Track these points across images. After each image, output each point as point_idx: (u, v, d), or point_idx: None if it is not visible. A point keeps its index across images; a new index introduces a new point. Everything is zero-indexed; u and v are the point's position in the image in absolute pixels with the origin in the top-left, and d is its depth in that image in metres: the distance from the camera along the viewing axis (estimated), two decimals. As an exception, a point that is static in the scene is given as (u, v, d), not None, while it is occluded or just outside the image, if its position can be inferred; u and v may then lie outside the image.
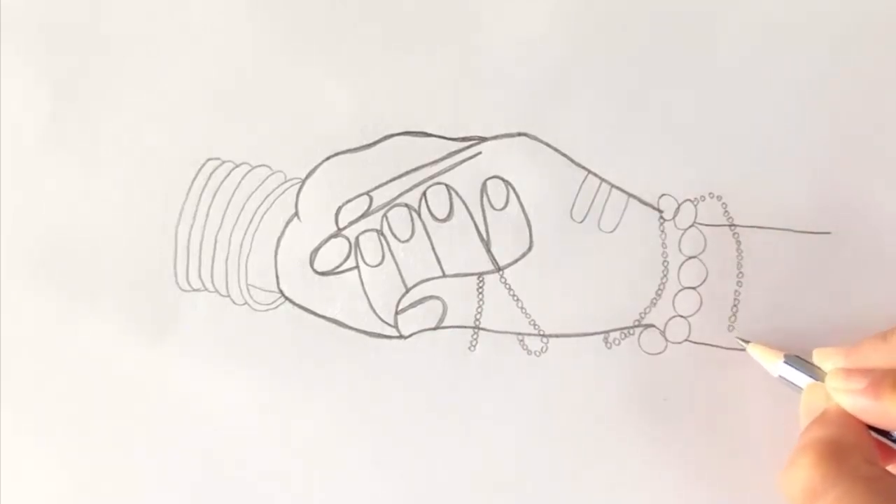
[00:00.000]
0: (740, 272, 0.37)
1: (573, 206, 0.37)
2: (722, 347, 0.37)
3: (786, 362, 0.35)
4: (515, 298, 0.37)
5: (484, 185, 0.38)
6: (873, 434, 0.32)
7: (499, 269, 0.38)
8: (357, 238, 0.38)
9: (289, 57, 0.38)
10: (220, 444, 0.38)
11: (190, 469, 0.38)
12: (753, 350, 0.36)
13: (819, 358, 0.35)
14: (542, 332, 0.37)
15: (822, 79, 0.37)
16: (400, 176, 0.38)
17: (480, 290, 0.38)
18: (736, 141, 0.37)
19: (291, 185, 0.38)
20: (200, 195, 0.38)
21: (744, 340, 0.37)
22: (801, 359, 0.35)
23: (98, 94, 0.38)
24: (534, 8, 0.38)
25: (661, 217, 0.37)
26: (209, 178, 0.38)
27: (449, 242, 0.38)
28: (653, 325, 0.37)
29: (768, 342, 0.36)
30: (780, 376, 0.35)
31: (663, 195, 0.37)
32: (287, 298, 0.38)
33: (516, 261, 0.38)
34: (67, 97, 0.38)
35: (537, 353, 0.37)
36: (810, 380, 0.34)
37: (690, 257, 0.37)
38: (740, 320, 0.37)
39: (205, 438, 0.38)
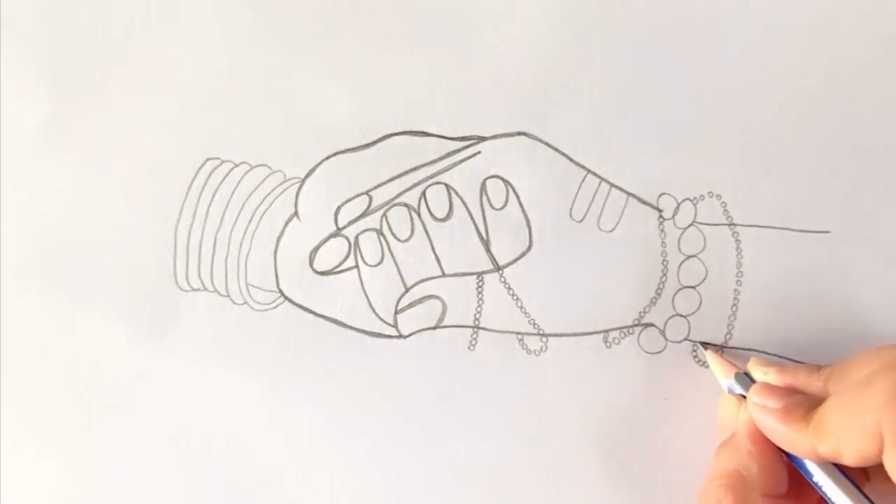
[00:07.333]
0: (740, 271, 0.37)
1: (572, 205, 0.37)
2: (721, 346, 0.37)
3: (736, 380, 0.34)
4: (515, 298, 0.37)
5: (483, 184, 0.38)
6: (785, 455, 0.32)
7: (498, 268, 0.38)
8: (356, 237, 0.38)
9: (288, 56, 0.38)
10: (220, 443, 0.38)
11: (189, 468, 0.38)
12: (710, 359, 0.36)
13: (753, 366, 0.35)
14: (541, 332, 0.37)
15: (821, 78, 0.37)
16: (399, 175, 0.38)
17: (480, 290, 0.38)
18: (736, 140, 0.37)
19: (291, 185, 0.38)
20: (200, 195, 0.38)
21: (704, 345, 0.37)
22: (749, 378, 0.34)
23: (98, 94, 0.38)
24: (533, 8, 0.38)
25: (661, 216, 0.37)
26: (208, 178, 0.38)
27: (448, 242, 0.38)
28: (652, 325, 0.37)
29: (764, 342, 0.37)
30: (728, 389, 0.35)
31: (663, 194, 0.37)
32: (287, 298, 0.38)
33: (516, 260, 0.38)
34: (67, 97, 0.38)
35: (537, 353, 0.37)
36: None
37: (690, 256, 0.37)
38: (739, 319, 0.37)
39: (204, 438, 0.38)
